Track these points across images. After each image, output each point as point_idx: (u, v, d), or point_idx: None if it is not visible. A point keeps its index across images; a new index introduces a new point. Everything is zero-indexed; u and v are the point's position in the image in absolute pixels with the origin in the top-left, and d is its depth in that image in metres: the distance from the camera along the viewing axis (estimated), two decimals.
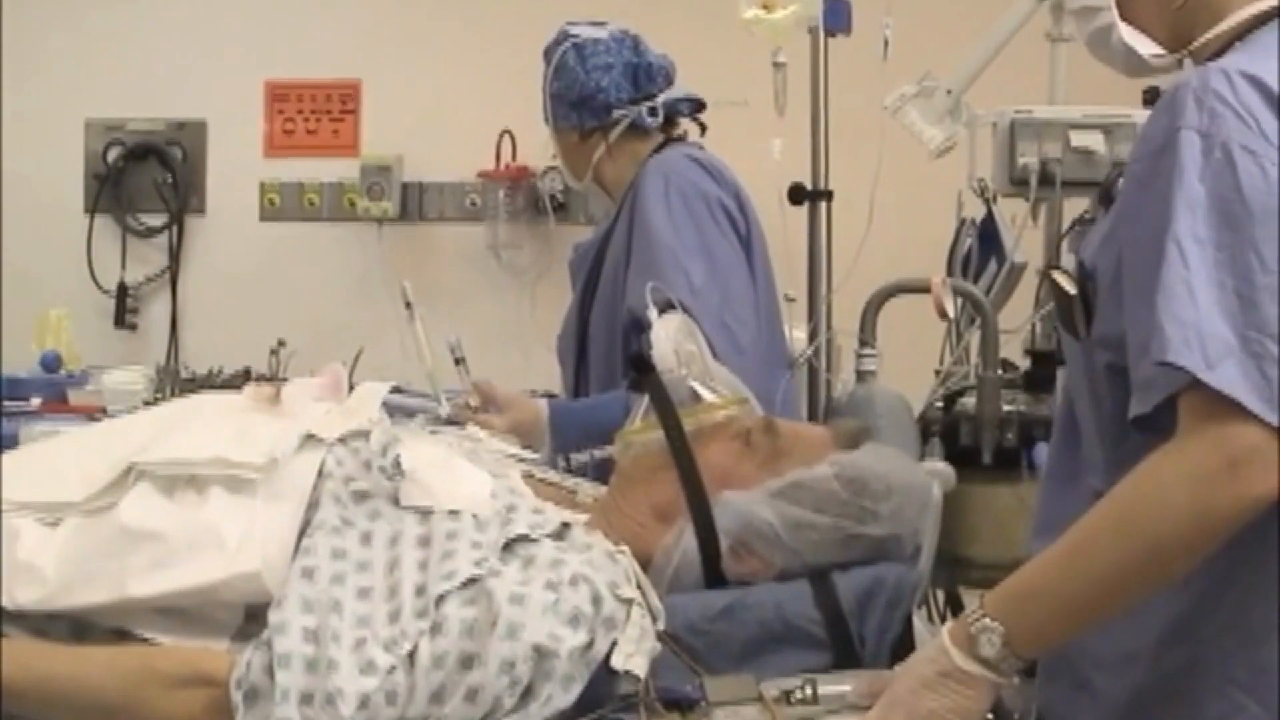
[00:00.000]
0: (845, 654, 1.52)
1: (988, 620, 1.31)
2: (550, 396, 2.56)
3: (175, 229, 4.50)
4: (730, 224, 2.43)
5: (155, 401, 3.49)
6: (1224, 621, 1.36)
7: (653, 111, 2.51)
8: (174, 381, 3.82)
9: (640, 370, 1.69)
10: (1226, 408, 1.24)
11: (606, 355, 2.41)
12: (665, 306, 2.02)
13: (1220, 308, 1.26)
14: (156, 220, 4.51)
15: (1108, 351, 1.39)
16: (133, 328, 4.51)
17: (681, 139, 2.60)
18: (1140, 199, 1.34)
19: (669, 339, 1.70)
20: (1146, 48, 1.54)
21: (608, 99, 2.48)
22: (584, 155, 2.53)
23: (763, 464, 1.61)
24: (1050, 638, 1.34)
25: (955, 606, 2.43)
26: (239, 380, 3.89)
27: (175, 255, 4.51)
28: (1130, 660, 1.40)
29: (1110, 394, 1.40)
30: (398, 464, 1.51)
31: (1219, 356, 1.25)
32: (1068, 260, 2.62)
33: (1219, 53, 1.41)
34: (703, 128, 2.65)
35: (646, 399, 1.67)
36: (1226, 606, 1.36)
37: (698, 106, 2.61)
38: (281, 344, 4.00)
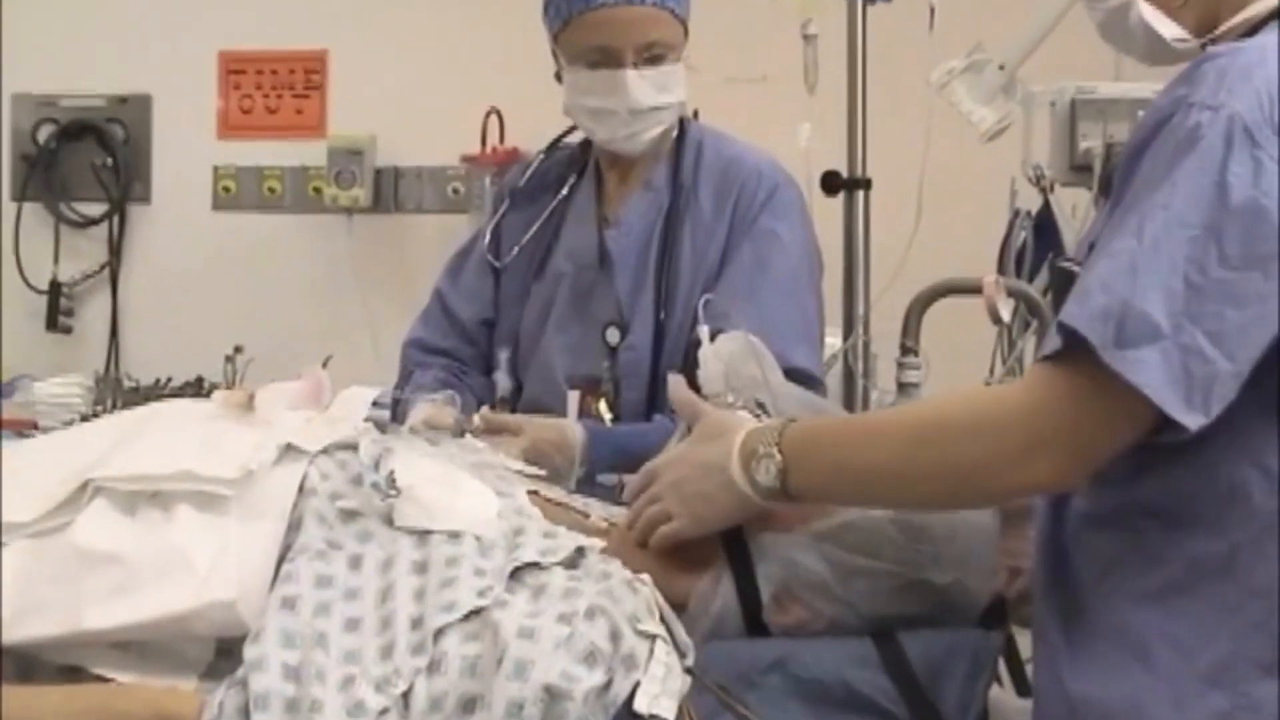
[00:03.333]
0: None
1: (775, 450, 1.50)
2: None
3: (116, 219, 4.52)
4: None
5: (94, 415, 3.50)
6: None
7: None
8: (115, 392, 3.84)
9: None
10: (1114, 393, 1.32)
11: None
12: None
13: (1163, 289, 1.32)
14: (94, 209, 4.53)
15: None
16: (67, 331, 4.52)
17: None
18: (1129, 166, 1.41)
19: (720, 361, 1.72)
20: (1169, 30, 1.58)
21: None
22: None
23: None
24: (815, 490, 1.52)
25: (1009, 647, 2.43)
26: (189, 391, 3.90)
27: (116, 249, 4.52)
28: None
29: None
30: (391, 479, 1.52)
31: (1137, 340, 1.31)
32: None
33: (1244, 38, 1.46)
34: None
35: (684, 424, 1.69)
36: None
37: None
38: (238, 350, 4.01)
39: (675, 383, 1.70)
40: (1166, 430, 1.34)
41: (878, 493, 1.51)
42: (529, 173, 2.57)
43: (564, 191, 2.52)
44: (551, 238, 2.51)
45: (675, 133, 2.47)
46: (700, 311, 1.84)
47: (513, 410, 2.40)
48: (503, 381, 2.45)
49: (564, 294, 2.47)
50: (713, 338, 1.76)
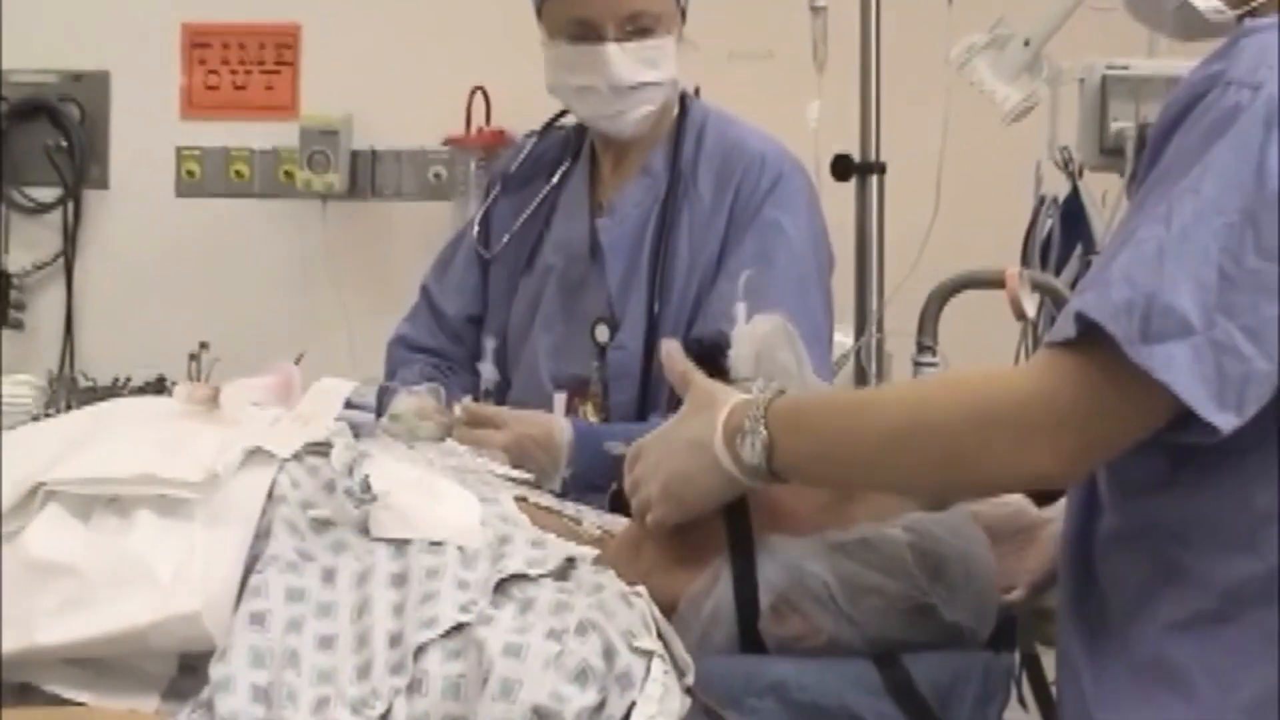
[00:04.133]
0: None
1: (762, 426, 1.49)
2: None
3: (71, 205, 4.51)
4: None
5: (47, 417, 3.49)
6: None
7: None
8: (70, 392, 3.84)
9: (708, 370, 1.68)
10: (1130, 386, 1.32)
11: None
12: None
13: (1194, 281, 1.31)
14: (47, 194, 4.52)
15: None
16: (18, 326, 4.51)
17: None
18: (1158, 145, 1.40)
19: (754, 344, 1.70)
20: (1204, 1, 1.58)
21: None
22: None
23: (827, 505, 1.61)
24: (802, 469, 1.51)
25: (1033, 669, 2.43)
26: (150, 391, 3.90)
27: (71, 237, 4.51)
28: None
29: None
30: (367, 485, 1.52)
31: (1164, 334, 1.31)
32: None
33: None
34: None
35: None
36: None
37: None
38: (203, 347, 4.01)
39: (670, 348, 1.67)
40: (1194, 430, 1.34)
41: (868, 474, 1.51)
42: (521, 157, 2.57)
43: (556, 178, 2.52)
44: (542, 227, 2.50)
45: (676, 113, 2.46)
46: (740, 287, 1.84)
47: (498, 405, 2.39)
48: (487, 372, 2.45)
49: (552, 289, 2.47)
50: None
